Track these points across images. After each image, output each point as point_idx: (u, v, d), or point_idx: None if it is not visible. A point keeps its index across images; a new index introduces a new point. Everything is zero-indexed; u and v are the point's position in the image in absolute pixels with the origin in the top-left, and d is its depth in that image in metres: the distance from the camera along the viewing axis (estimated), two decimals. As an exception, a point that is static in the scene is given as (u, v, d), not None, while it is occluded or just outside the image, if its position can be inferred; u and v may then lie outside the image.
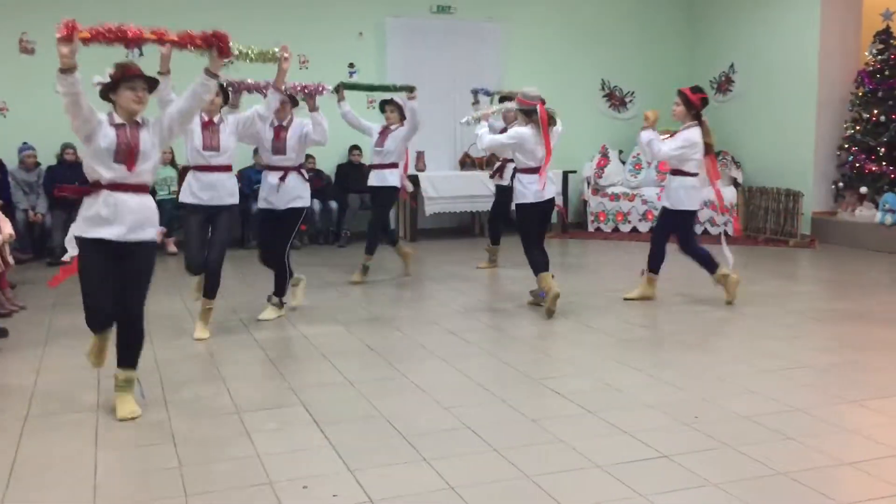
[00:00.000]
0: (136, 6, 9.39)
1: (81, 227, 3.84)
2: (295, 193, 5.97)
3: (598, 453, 3.48)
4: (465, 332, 5.72)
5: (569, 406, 4.12)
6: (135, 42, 3.94)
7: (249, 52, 4.88)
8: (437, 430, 3.78)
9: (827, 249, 9.37)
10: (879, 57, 9.50)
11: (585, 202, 11.04)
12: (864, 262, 8.59)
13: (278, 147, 5.97)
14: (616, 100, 11.79)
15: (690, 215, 6.53)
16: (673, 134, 6.47)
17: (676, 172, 6.40)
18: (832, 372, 4.72)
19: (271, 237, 6.05)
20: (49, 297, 6.84)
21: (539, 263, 6.18)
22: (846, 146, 9.74)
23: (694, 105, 6.30)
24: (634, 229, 10.69)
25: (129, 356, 4.05)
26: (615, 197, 10.80)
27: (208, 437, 3.73)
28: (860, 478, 3.27)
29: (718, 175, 6.50)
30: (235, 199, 5.52)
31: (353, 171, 10.10)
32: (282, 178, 5.93)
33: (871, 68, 9.55)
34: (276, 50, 5.06)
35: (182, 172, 5.20)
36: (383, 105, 7.61)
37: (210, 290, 5.48)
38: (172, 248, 9.02)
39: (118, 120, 3.88)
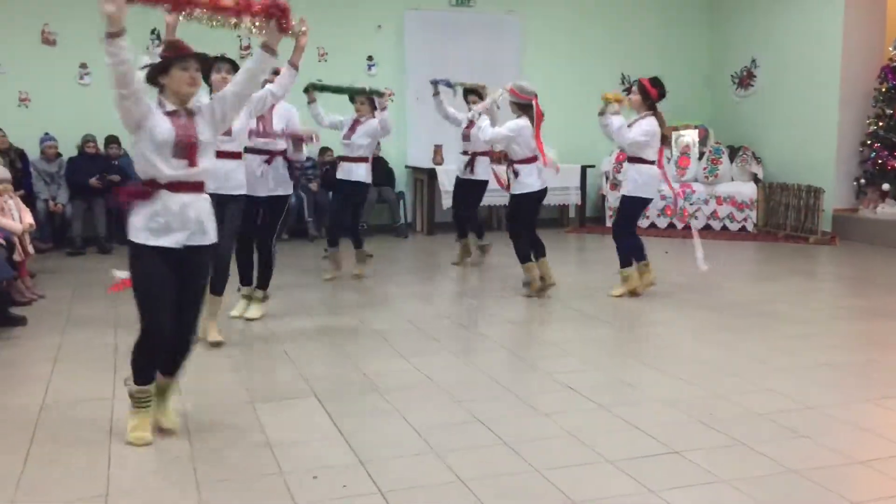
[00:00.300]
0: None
1: (139, 234, 3.37)
2: (281, 179, 5.65)
3: (609, 448, 3.47)
4: (477, 325, 5.72)
5: (581, 401, 4.11)
6: (185, 5, 3.52)
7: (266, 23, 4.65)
8: (447, 423, 3.79)
9: (848, 246, 9.27)
10: (904, 52, 9.38)
11: (604, 197, 10.98)
12: (886, 259, 8.50)
13: (264, 129, 5.58)
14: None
15: (645, 203, 6.59)
16: (631, 124, 6.47)
17: (635, 160, 6.46)
18: (848, 370, 4.67)
19: (252, 227, 5.61)
20: (68, 286, 6.92)
21: (528, 254, 6.50)
22: (869, 142, 9.62)
23: (651, 96, 6.39)
24: (652, 224, 10.63)
25: (173, 365, 3.67)
26: (634, 192, 10.72)
27: (221, 426, 3.75)
28: (872, 476, 3.24)
29: (662, 165, 6.56)
30: (244, 189, 5.12)
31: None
32: (267, 163, 5.56)
33: (894, 64, 9.42)
34: (294, 23, 4.74)
35: None
36: (353, 96, 7.21)
37: (218, 285, 5.04)
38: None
39: (170, 107, 3.41)
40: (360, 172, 7.09)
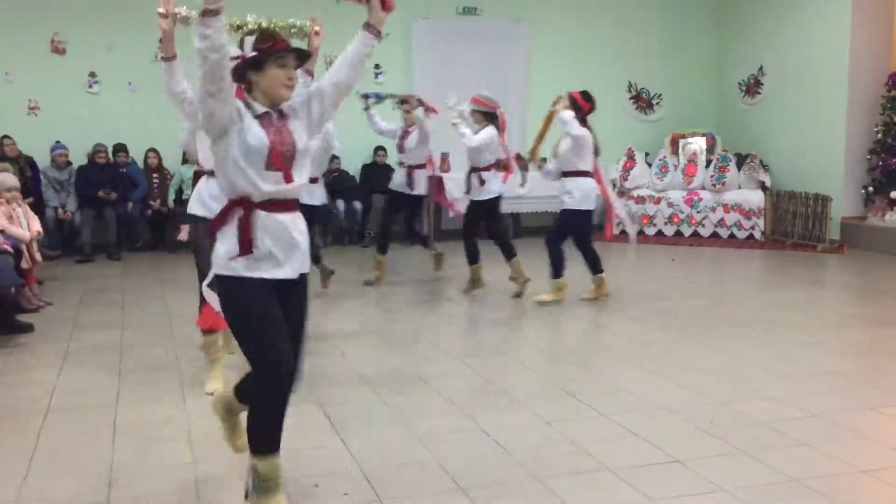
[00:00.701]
0: None
1: (238, 267, 2.75)
2: None
3: (610, 456, 3.47)
4: (479, 332, 5.72)
5: (582, 408, 4.11)
6: None
7: (272, 24, 4.28)
8: (448, 430, 3.79)
9: (856, 255, 9.23)
10: (911, 59, 9.35)
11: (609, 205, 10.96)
12: (894, 267, 8.45)
13: None
14: (643, 102, 11.71)
15: (590, 214, 6.60)
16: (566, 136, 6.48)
17: (573, 174, 6.46)
18: (853, 378, 4.65)
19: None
20: (76, 293, 6.97)
21: (477, 254, 6.93)
22: (877, 150, 9.59)
23: (582, 109, 6.40)
24: (660, 232, 10.62)
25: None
26: (641, 200, 10.73)
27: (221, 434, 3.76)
28: (874, 486, 3.22)
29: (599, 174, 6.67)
30: None
31: (377, 172, 10.14)
32: None
33: (902, 71, 9.40)
34: (307, 24, 4.28)
35: (195, 178, 4.62)
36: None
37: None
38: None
39: (259, 109, 2.81)
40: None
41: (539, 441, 3.67)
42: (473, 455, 3.50)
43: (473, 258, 6.93)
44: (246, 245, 2.73)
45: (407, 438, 3.70)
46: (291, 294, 2.86)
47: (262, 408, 2.86)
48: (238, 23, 4.16)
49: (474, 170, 6.73)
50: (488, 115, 6.64)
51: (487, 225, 6.92)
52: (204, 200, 4.33)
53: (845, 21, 9.74)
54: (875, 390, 4.42)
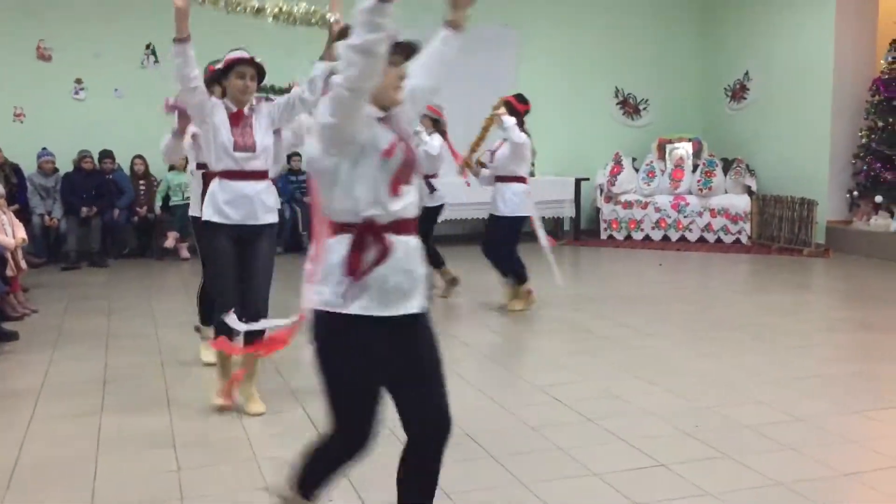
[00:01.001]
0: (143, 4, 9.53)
1: (356, 303, 2.26)
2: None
3: (595, 461, 3.47)
4: (466, 336, 5.72)
5: (569, 413, 4.11)
6: None
7: (295, 8, 3.94)
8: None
9: (841, 259, 9.28)
10: (894, 65, 9.41)
11: (598, 210, 11.01)
12: (879, 271, 8.50)
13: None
14: (630, 107, 11.76)
15: (523, 221, 6.47)
16: (498, 148, 6.42)
17: (508, 179, 6.38)
18: (839, 382, 4.67)
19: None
20: (61, 301, 6.93)
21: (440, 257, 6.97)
22: (861, 154, 9.64)
23: (519, 112, 6.35)
24: (647, 237, 10.65)
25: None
26: (628, 205, 10.76)
27: (208, 441, 3.75)
28: (859, 489, 3.24)
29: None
30: (275, 217, 4.15)
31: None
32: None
33: (886, 76, 9.45)
34: (328, 14, 4.01)
35: (206, 180, 4.23)
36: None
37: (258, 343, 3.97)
38: (185, 253, 9.09)
39: (376, 113, 2.33)
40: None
41: (525, 446, 3.67)
42: (458, 460, 3.49)
43: (439, 262, 6.96)
44: (361, 275, 2.25)
45: (393, 444, 3.67)
46: (415, 330, 2.38)
47: (329, 461, 2.55)
48: (257, 6, 4.01)
49: (426, 177, 6.68)
50: (436, 122, 6.68)
51: (424, 230, 6.87)
52: (219, 206, 3.98)
53: (829, 27, 9.81)
54: (861, 394, 4.44)
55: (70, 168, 9.09)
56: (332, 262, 2.27)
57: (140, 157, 9.39)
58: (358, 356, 2.29)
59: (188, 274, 8.24)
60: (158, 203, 9.31)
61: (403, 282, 2.30)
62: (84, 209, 8.82)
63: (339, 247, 2.27)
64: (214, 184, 4.07)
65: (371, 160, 2.25)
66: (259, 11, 4.01)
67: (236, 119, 4.03)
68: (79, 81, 9.51)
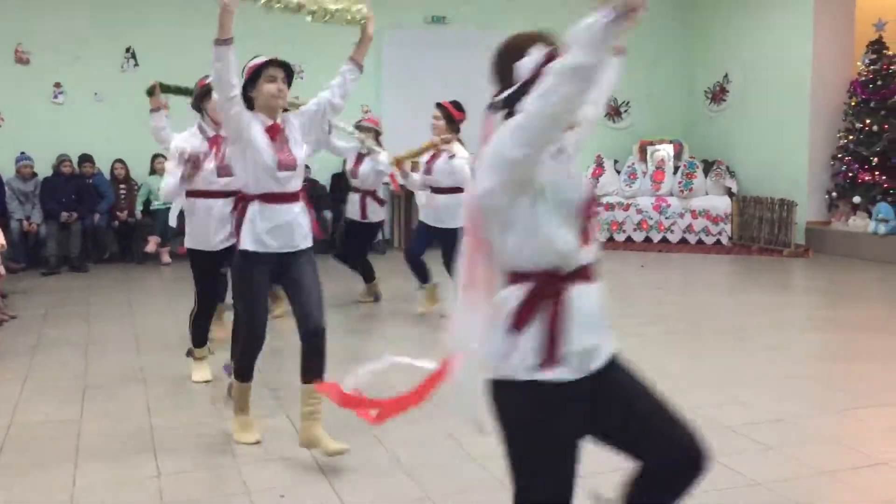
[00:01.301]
0: (123, 7, 9.49)
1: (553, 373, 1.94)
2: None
3: (577, 463, 3.47)
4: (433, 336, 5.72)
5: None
6: None
7: (332, 6, 3.67)
8: (416, 438, 3.78)
9: (821, 259, 9.37)
10: (872, 67, 9.51)
11: (580, 211, 11.04)
12: (858, 271, 8.59)
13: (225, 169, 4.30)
14: (611, 110, 11.80)
15: (459, 232, 6.22)
16: (438, 149, 6.16)
17: (447, 190, 6.15)
18: (818, 382, 4.72)
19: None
20: (41, 306, 6.87)
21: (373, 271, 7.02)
22: (839, 156, 9.75)
23: (455, 120, 6.18)
24: (629, 239, 10.70)
25: None
26: (610, 206, 10.81)
27: (188, 447, 3.73)
28: (837, 487, 3.27)
29: None
30: (310, 241, 3.71)
31: (347, 181, 10.10)
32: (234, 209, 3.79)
33: (863, 78, 9.56)
34: (363, 8, 3.79)
35: (238, 205, 3.68)
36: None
37: (317, 370, 3.56)
38: (167, 258, 9.04)
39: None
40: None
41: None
42: (440, 464, 3.50)
43: (371, 276, 6.99)
44: (557, 342, 1.94)
45: (375, 447, 3.68)
46: (608, 378, 2.09)
47: None
48: (297, 1, 3.63)
49: (369, 193, 6.70)
50: (376, 134, 6.69)
51: (361, 244, 6.98)
52: (259, 236, 3.54)
53: (807, 30, 9.91)
54: (840, 393, 4.49)
55: (49, 172, 9.02)
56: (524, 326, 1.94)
57: (120, 161, 9.33)
58: (556, 424, 1.98)
59: (169, 279, 8.20)
60: (139, 208, 9.26)
61: (592, 337, 2.02)
62: (64, 214, 8.76)
63: (512, 299, 1.96)
64: (253, 210, 3.53)
65: (553, 197, 1.93)
66: (299, 8, 3.76)
67: (273, 133, 3.54)
68: (58, 85, 9.44)
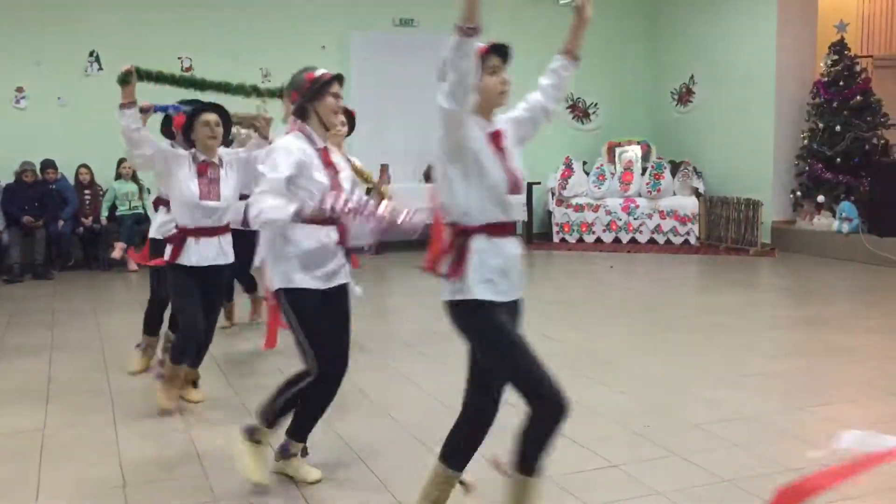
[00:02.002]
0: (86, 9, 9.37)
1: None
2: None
3: (548, 464, 3.47)
4: (421, 345, 5.71)
5: (519, 416, 4.11)
6: None
7: None
8: (382, 440, 3.77)
9: (786, 258, 9.49)
10: (834, 68, 9.66)
11: (550, 213, 11.09)
12: (822, 269, 8.72)
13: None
14: (580, 111, 11.87)
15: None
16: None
17: None
18: (783, 379, 4.77)
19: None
20: (3, 315, 6.75)
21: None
22: (803, 156, 9.88)
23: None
24: (599, 239, 10.76)
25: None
26: (579, 208, 10.86)
27: (154, 455, 3.68)
28: (804, 484, 3.30)
29: None
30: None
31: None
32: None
33: (826, 79, 9.71)
34: None
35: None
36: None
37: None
38: (133, 264, 8.92)
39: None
40: None
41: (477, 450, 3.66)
42: (411, 465, 3.48)
43: (254, 286, 6.24)
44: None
45: (342, 450, 3.66)
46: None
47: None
48: None
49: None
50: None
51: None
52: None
53: (770, 32, 10.04)
54: (804, 390, 4.54)
55: (11, 178, 8.87)
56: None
57: (85, 166, 9.20)
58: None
59: (136, 285, 8.09)
60: (104, 213, 9.13)
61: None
62: (26, 218, 8.60)
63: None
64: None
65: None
66: None
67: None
68: (20, 90, 9.28)
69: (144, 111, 4.49)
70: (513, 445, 2.71)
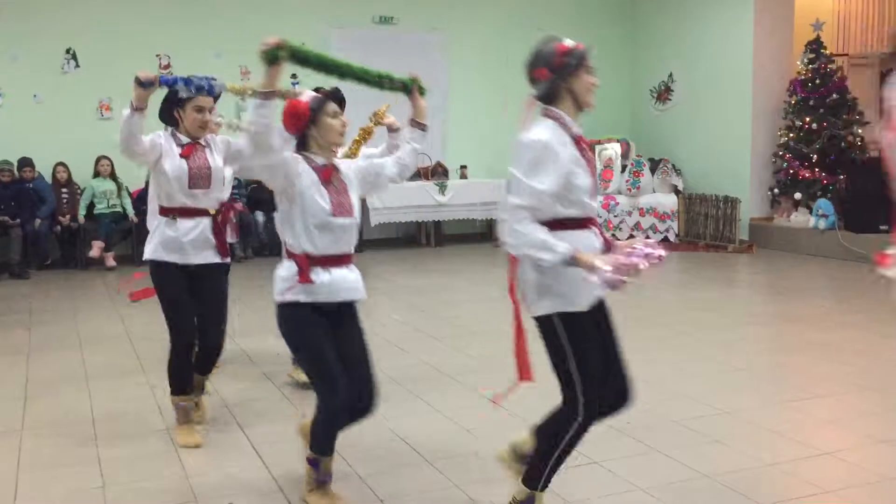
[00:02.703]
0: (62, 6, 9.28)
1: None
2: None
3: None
4: (402, 341, 5.71)
5: (499, 413, 4.13)
6: None
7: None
8: (367, 441, 3.76)
9: (764, 254, 9.58)
10: (811, 66, 9.75)
11: (530, 211, 11.11)
12: (799, 266, 8.81)
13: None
14: (559, 109, 11.89)
15: None
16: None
17: None
18: (761, 374, 4.82)
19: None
20: (-21, 315, 6.67)
21: None
22: (781, 153, 9.98)
23: None
24: (579, 237, 10.80)
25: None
26: (559, 205, 10.89)
27: (135, 456, 3.66)
28: (781, 479, 3.34)
29: None
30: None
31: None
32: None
33: (802, 77, 9.80)
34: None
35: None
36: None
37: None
38: (111, 262, 8.85)
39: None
40: None
41: (458, 449, 3.68)
42: (394, 466, 3.49)
43: None
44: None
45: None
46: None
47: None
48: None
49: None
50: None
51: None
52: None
53: (748, 30, 10.12)
54: (781, 385, 4.59)
55: (-12, 178, 8.76)
56: None
57: (62, 164, 9.10)
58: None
59: (114, 284, 8.02)
60: (82, 212, 9.04)
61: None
62: (2, 217, 8.50)
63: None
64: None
65: None
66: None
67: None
68: (-6, 88, 9.18)
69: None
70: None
